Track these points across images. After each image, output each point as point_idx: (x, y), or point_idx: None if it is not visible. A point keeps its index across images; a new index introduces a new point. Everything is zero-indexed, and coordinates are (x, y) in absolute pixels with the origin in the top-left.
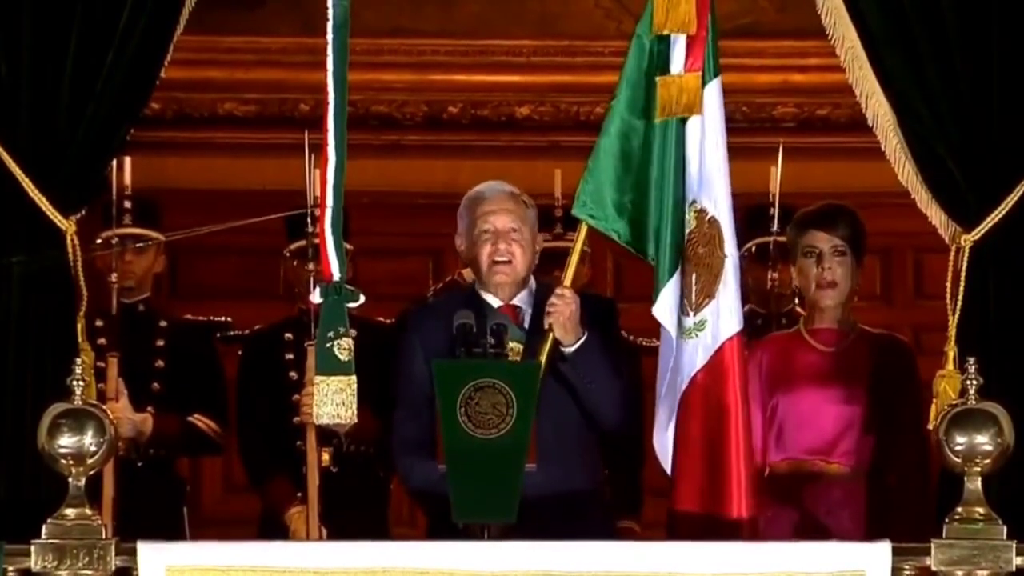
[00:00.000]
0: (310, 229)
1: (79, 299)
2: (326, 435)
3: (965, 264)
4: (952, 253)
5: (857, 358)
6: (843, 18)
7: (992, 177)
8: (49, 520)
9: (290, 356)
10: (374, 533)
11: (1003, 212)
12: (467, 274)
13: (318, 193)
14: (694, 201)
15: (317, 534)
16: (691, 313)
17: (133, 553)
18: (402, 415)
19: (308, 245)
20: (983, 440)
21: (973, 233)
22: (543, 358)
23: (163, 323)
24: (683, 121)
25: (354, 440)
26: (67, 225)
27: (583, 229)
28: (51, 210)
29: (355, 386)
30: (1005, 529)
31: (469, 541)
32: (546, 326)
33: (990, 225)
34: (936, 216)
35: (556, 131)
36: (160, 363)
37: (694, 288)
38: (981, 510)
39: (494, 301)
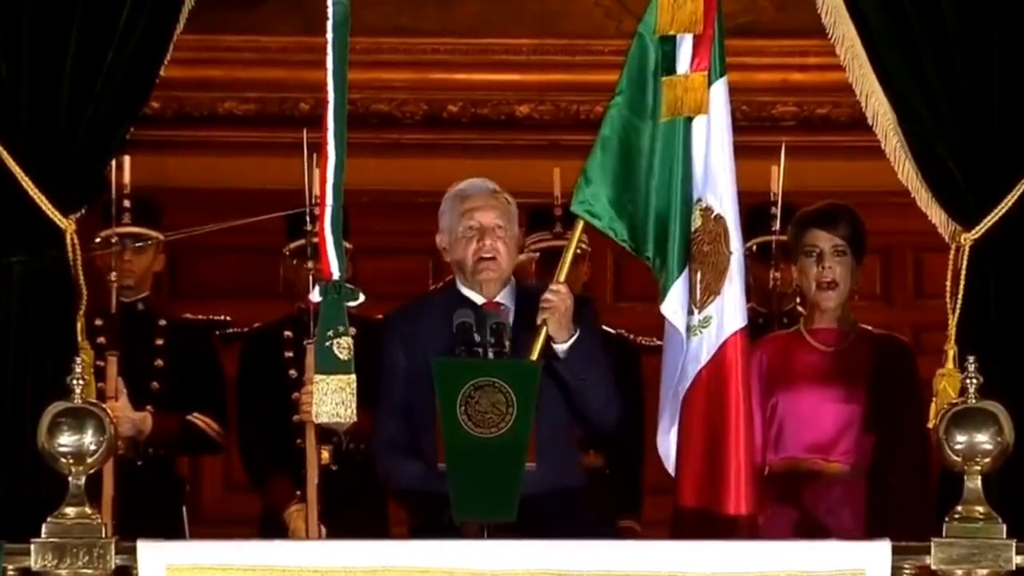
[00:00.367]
0: (309, 228)
1: (79, 298)
2: (325, 433)
3: (965, 263)
4: (952, 252)
5: (857, 357)
6: (843, 17)
7: (992, 176)
8: (49, 519)
9: (289, 354)
10: (374, 531)
11: (1003, 211)
12: None
13: (317, 192)
14: (699, 199)
15: (316, 532)
16: (696, 311)
17: (133, 552)
18: (383, 415)
19: (307, 244)
20: (983, 439)
21: (973, 232)
22: (535, 355)
23: (162, 322)
24: (689, 120)
25: (353, 438)
26: (67, 224)
27: (579, 226)
28: (51, 209)
29: (354, 385)
30: (1005, 528)
31: (454, 540)
32: (539, 322)
33: (990, 224)
34: (936, 215)
35: (556, 130)
36: (159, 362)
37: (699, 286)
38: (981, 509)
39: (477, 298)
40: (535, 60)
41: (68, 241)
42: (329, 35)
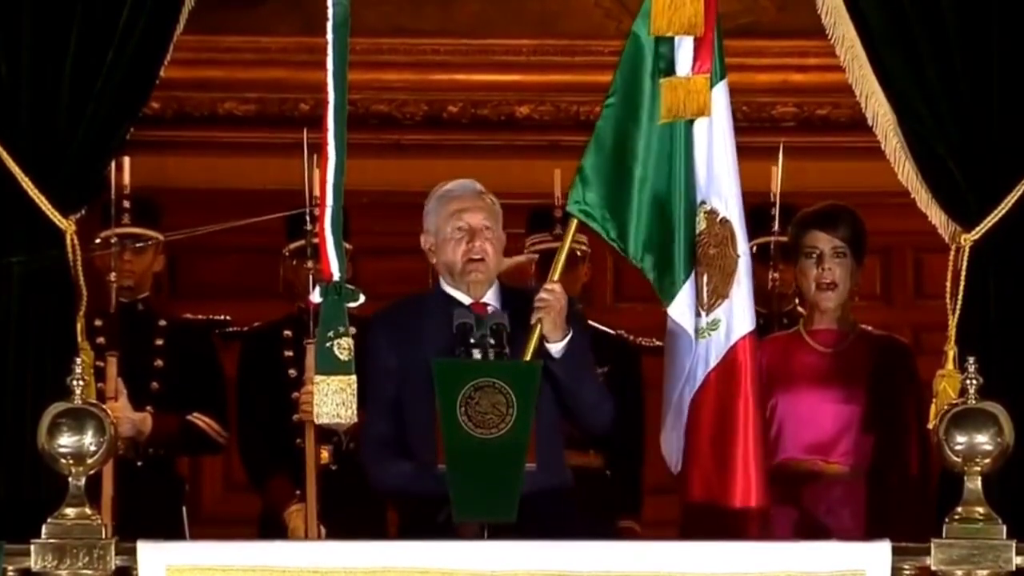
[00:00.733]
0: (309, 228)
1: (79, 299)
2: (325, 433)
3: (965, 264)
4: (952, 253)
5: (856, 358)
6: (843, 17)
7: (992, 177)
8: (49, 520)
9: (289, 353)
10: (373, 532)
11: (1003, 212)
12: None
13: (317, 192)
14: (703, 202)
15: (316, 532)
16: (703, 313)
17: (133, 552)
18: (371, 415)
19: (307, 245)
20: (983, 440)
21: (973, 233)
22: (529, 355)
23: (162, 322)
24: (689, 123)
25: (353, 438)
26: (67, 225)
27: (572, 225)
28: (51, 210)
29: (355, 386)
30: (1005, 529)
31: (453, 541)
32: (532, 321)
33: (990, 225)
34: (936, 216)
35: (556, 131)
36: (159, 362)
37: (705, 289)
38: (981, 510)
39: (464, 298)
40: (535, 61)
41: (68, 241)
42: (329, 36)
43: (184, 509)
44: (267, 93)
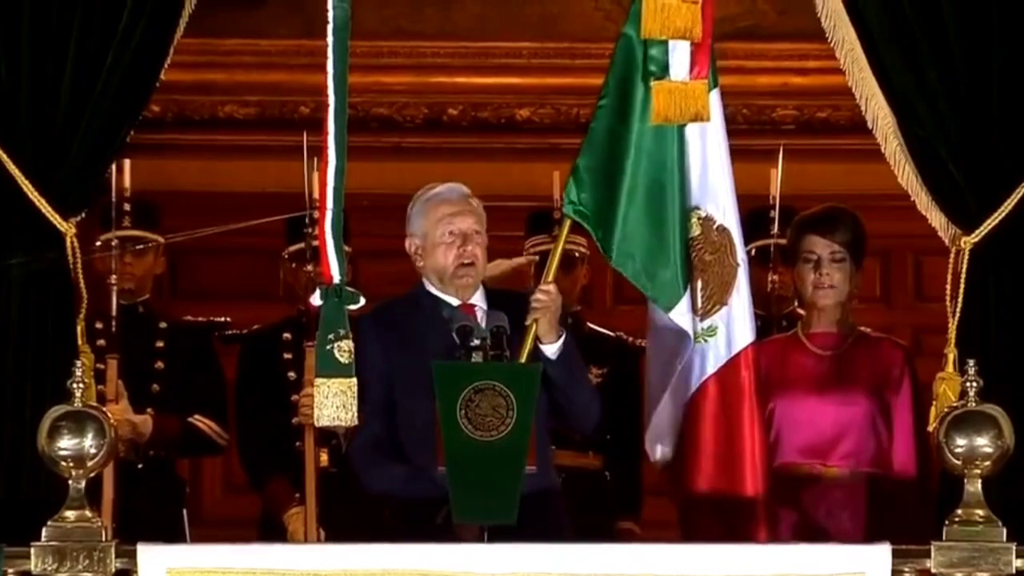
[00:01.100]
0: (309, 231)
1: (79, 301)
2: (325, 435)
3: (965, 266)
4: (952, 255)
5: (855, 361)
6: (843, 20)
7: (992, 179)
8: (49, 522)
9: (288, 356)
10: (372, 534)
11: (1003, 214)
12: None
13: (317, 195)
14: (697, 207)
15: (315, 535)
16: (698, 319)
17: (133, 555)
18: (362, 418)
19: (307, 247)
20: (983, 442)
21: (973, 235)
22: (524, 356)
23: (163, 324)
24: (681, 128)
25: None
26: (67, 228)
27: (566, 227)
28: (51, 212)
29: (355, 388)
30: (1005, 531)
31: (453, 544)
32: (528, 322)
33: (990, 227)
34: (936, 218)
35: (556, 133)
36: (160, 364)
37: (700, 294)
38: (981, 512)
39: (452, 300)
40: (535, 64)
41: (68, 244)
42: (329, 38)
43: (184, 511)
44: (267, 96)
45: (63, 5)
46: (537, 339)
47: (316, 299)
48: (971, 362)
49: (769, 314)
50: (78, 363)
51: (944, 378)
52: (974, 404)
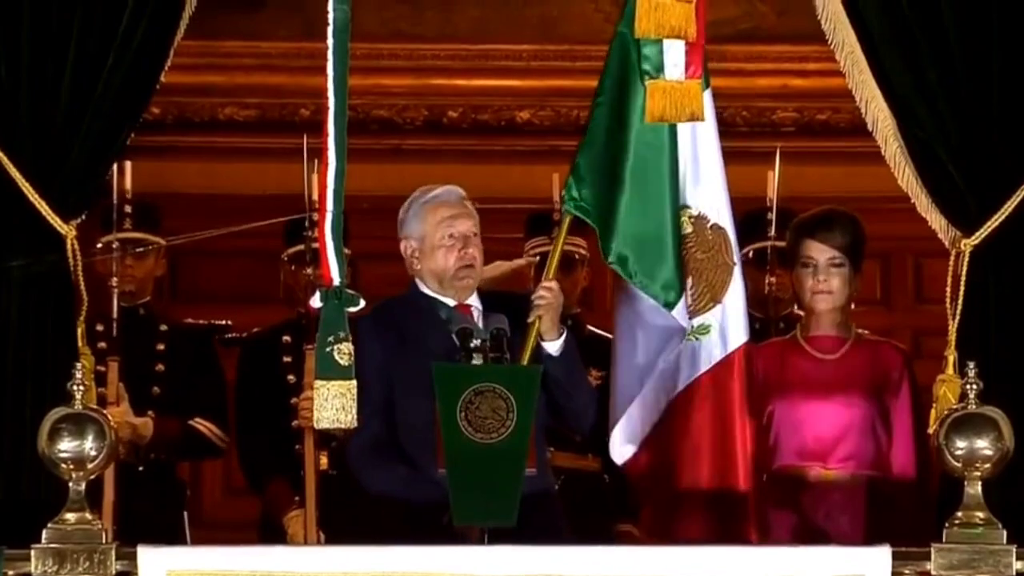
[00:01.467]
0: (309, 233)
1: (79, 303)
2: (324, 438)
3: (965, 268)
4: (952, 257)
5: (854, 364)
6: (843, 23)
7: (992, 182)
8: (49, 524)
9: (288, 359)
10: (372, 537)
11: (1003, 216)
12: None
13: (317, 197)
14: (687, 206)
15: (315, 538)
16: (689, 316)
17: (133, 557)
18: (364, 415)
19: (306, 250)
20: (983, 444)
21: (973, 237)
22: (527, 354)
23: (163, 327)
24: (673, 127)
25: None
26: (67, 230)
27: (565, 225)
28: (51, 215)
29: (355, 391)
30: (1005, 533)
31: (452, 546)
32: (530, 319)
33: (990, 229)
34: (936, 220)
35: (556, 135)
36: (160, 367)
37: (690, 292)
38: (981, 514)
39: (449, 301)
40: (535, 66)
41: (68, 246)
42: (330, 41)
43: (185, 514)
44: (267, 98)
45: (63, 6)
46: (539, 337)
47: (316, 301)
48: (971, 364)
49: (767, 316)
50: (78, 365)
51: (944, 380)
52: (974, 406)
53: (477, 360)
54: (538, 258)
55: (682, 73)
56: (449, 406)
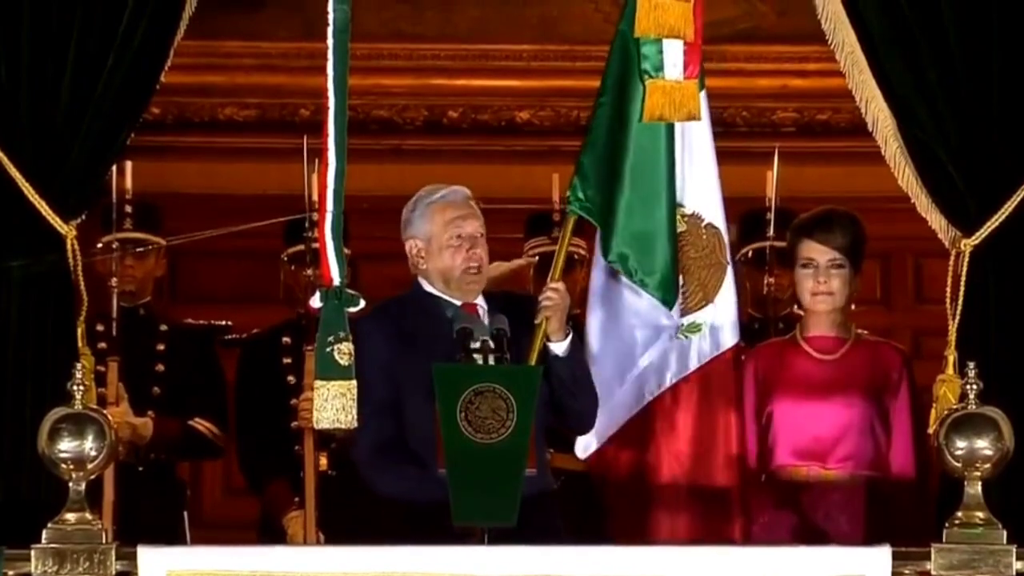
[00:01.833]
0: (309, 234)
1: (79, 303)
2: (324, 439)
3: (965, 268)
4: (952, 257)
5: (853, 365)
6: (843, 23)
7: (992, 182)
8: (49, 524)
9: (288, 360)
10: (371, 537)
11: (1003, 217)
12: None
13: (317, 198)
14: (681, 205)
15: (315, 538)
16: (681, 315)
17: (133, 557)
18: (369, 417)
19: (306, 250)
20: (983, 444)
21: (973, 237)
22: (535, 355)
23: (163, 327)
24: (670, 126)
25: (352, 443)
26: (67, 230)
27: (570, 224)
28: (51, 215)
29: (355, 391)
30: (1005, 533)
31: (452, 546)
32: (537, 320)
33: (990, 230)
34: (936, 220)
35: (556, 136)
36: (160, 367)
37: (681, 290)
38: (981, 515)
39: (455, 300)
40: (535, 66)
41: (68, 246)
42: (330, 41)
43: (185, 514)
44: (267, 98)
45: (63, 6)
46: (546, 338)
47: (316, 301)
48: (971, 364)
49: (766, 316)
50: (78, 365)
51: (944, 380)
52: (974, 406)
53: (478, 360)
54: (537, 258)
55: (681, 73)
56: (449, 406)
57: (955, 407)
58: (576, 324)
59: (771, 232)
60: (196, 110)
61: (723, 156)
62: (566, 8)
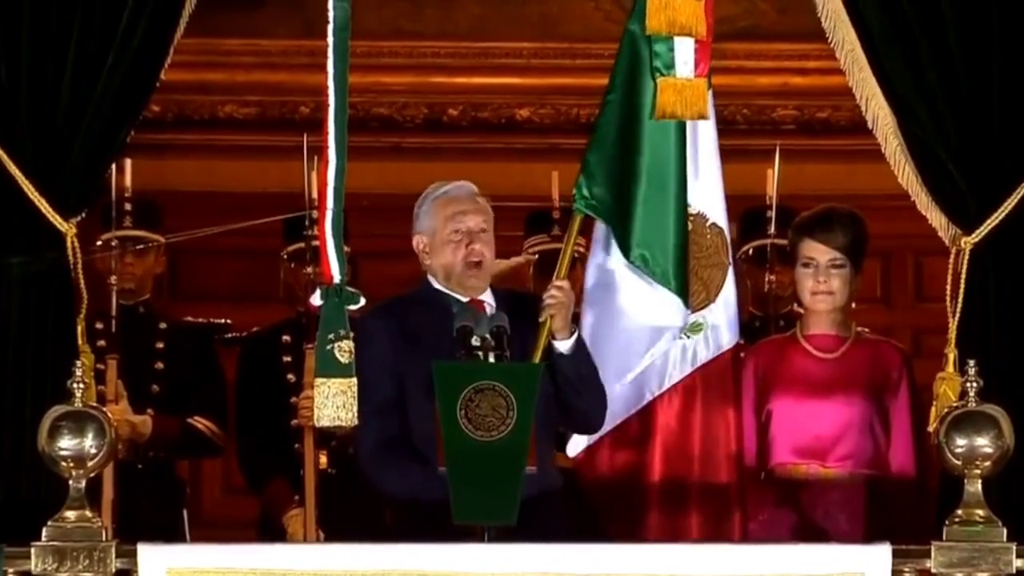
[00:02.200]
0: (308, 232)
1: (79, 301)
2: (324, 437)
3: (965, 266)
4: (952, 255)
5: (853, 363)
6: (843, 21)
7: (992, 179)
8: (49, 522)
9: (288, 358)
10: (371, 535)
11: (1003, 214)
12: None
13: (317, 195)
14: (687, 204)
15: (315, 537)
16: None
17: (133, 555)
18: (373, 415)
19: (306, 248)
20: (983, 442)
21: (973, 235)
22: (539, 353)
23: (163, 325)
24: (680, 125)
25: (352, 442)
26: (67, 228)
27: (576, 223)
28: (51, 212)
29: (355, 388)
30: (1005, 531)
31: (452, 544)
32: (541, 319)
33: (990, 227)
34: (936, 218)
35: (556, 134)
36: (160, 365)
37: None
38: (981, 512)
39: (461, 296)
40: (535, 64)
41: (68, 244)
42: (330, 39)
43: (184, 512)
44: (267, 96)
45: (63, 5)
46: (551, 336)
47: (316, 299)
48: (971, 362)
49: (767, 314)
50: (78, 363)
51: (944, 378)
52: (974, 404)
53: (479, 357)
54: (537, 256)
55: (692, 71)
56: (449, 404)
57: (955, 405)
58: (574, 321)
59: (772, 230)
60: (196, 108)
61: (724, 154)
62: (566, 6)
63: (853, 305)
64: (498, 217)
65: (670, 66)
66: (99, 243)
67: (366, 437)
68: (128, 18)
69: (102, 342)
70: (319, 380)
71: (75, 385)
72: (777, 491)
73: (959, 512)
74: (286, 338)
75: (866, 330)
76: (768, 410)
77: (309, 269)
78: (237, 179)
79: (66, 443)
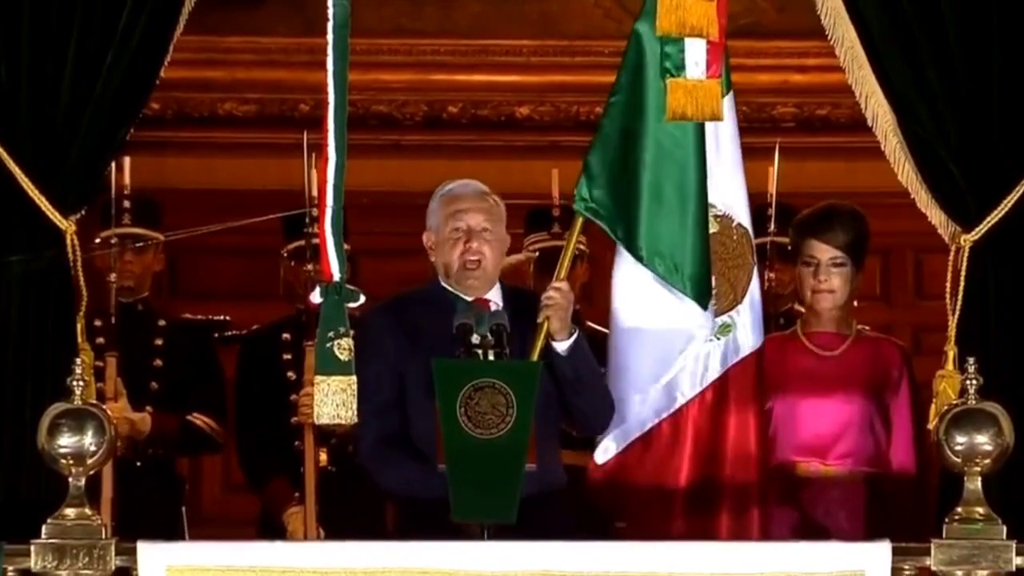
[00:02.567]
0: (308, 229)
1: (78, 299)
2: (324, 435)
3: (965, 264)
4: (952, 253)
5: (854, 361)
6: (843, 18)
7: (992, 177)
8: (49, 520)
9: (288, 356)
10: (372, 533)
11: (1003, 212)
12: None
13: (317, 193)
14: (713, 205)
15: (315, 534)
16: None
17: (133, 553)
18: (373, 413)
19: (306, 246)
20: (983, 440)
21: (973, 233)
22: (536, 354)
23: (162, 322)
24: (700, 125)
25: (352, 439)
26: (67, 225)
27: (578, 223)
28: (51, 210)
29: (355, 386)
30: (1005, 529)
31: (453, 542)
32: (540, 319)
33: (990, 225)
34: (936, 216)
35: (556, 131)
36: (159, 362)
37: (714, 291)
38: (981, 510)
39: (466, 295)
40: (535, 61)
41: (68, 242)
42: (329, 36)
43: (184, 509)
44: (267, 94)
45: (63, 5)
46: (550, 337)
47: (316, 297)
48: (971, 360)
49: (766, 312)
50: (78, 361)
51: (944, 376)
52: (974, 402)
53: (479, 355)
54: (537, 254)
55: (703, 72)
56: (449, 402)
57: (955, 403)
58: (576, 319)
59: (772, 227)
60: (195, 105)
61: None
62: (566, 3)
63: (855, 303)
64: None
65: (680, 67)
66: (98, 241)
67: (366, 434)
68: (128, 17)
69: (101, 339)
70: (319, 378)
71: (74, 383)
72: (777, 489)
73: (959, 510)
74: (286, 336)
75: (866, 328)
76: (769, 408)
77: (309, 267)
78: (237, 177)
79: (65, 441)
